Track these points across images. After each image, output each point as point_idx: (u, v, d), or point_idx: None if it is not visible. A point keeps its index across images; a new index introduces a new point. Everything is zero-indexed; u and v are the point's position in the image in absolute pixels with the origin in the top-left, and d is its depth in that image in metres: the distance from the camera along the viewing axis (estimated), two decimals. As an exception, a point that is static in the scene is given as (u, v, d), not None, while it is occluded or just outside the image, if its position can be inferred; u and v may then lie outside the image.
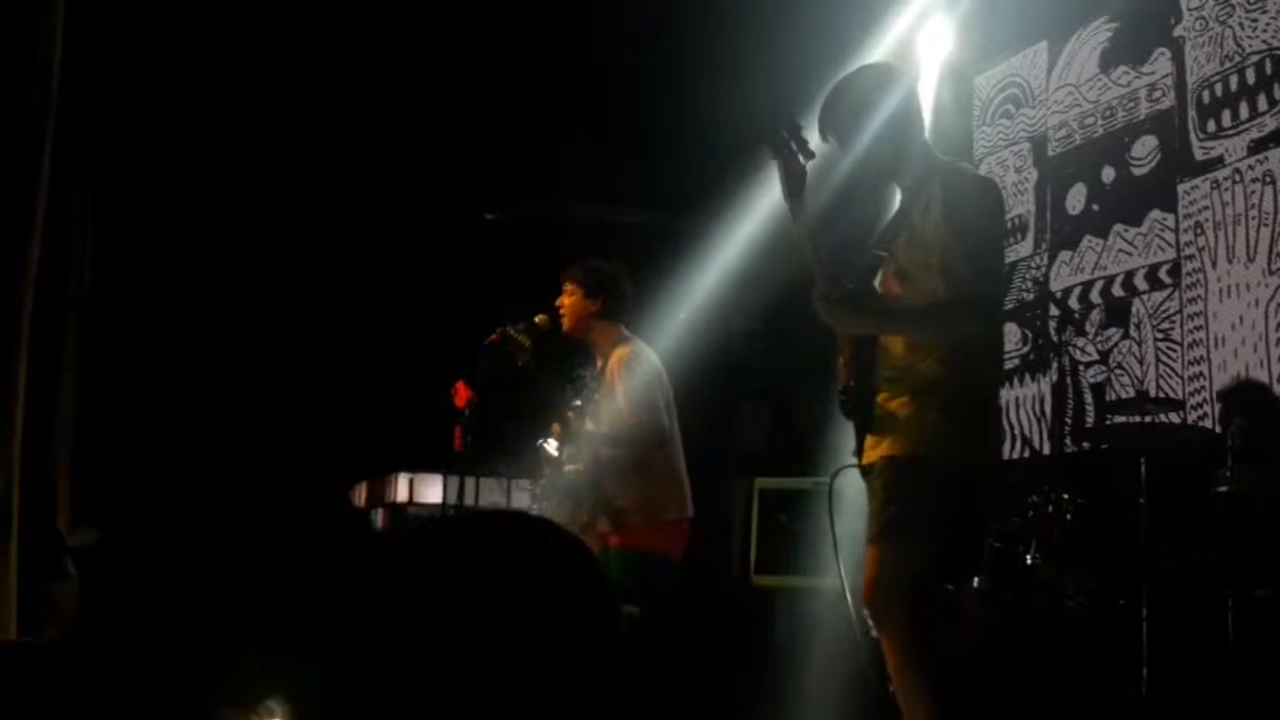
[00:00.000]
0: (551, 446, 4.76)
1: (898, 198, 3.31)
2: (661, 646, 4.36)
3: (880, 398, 3.11)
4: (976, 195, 3.14)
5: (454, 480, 6.15)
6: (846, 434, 3.27)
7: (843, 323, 3.12)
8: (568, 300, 4.60)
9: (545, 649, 1.24)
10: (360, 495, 7.36)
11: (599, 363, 4.65)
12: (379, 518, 6.79)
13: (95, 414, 6.03)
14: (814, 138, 3.22)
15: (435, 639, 1.24)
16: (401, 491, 6.50)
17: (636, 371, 4.43)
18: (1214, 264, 5.27)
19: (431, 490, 6.48)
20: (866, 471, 3.12)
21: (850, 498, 3.41)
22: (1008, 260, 6.19)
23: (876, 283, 3.22)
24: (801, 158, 3.13)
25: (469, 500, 5.55)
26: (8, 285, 3.82)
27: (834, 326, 3.15)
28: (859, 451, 3.13)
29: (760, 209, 6.27)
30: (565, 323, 4.63)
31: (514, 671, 1.23)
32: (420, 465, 6.41)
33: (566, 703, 1.26)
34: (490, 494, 5.78)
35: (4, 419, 3.74)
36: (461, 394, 4.63)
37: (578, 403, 4.54)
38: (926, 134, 3.25)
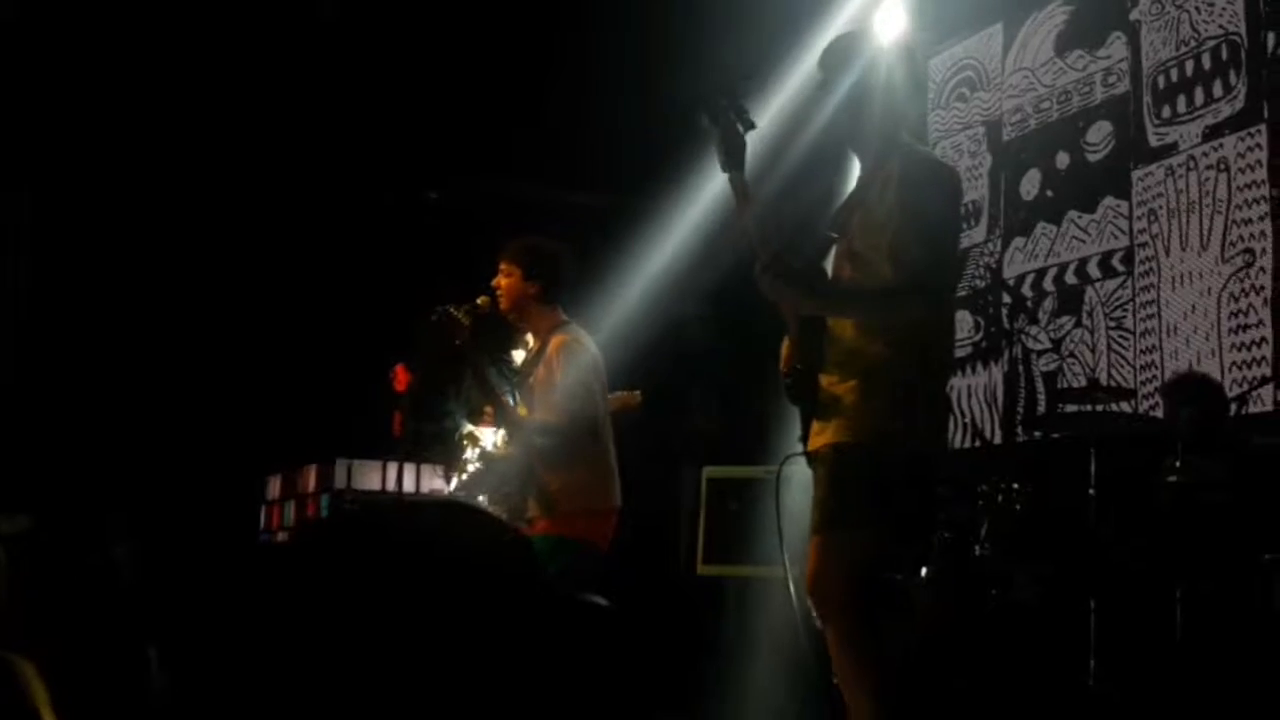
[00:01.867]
0: (482, 434, 4.73)
1: (854, 178, 3.31)
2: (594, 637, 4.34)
3: (825, 382, 3.09)
4: (932, 179, 3.13)
5: (393, 466, 6.13)
6: (798, 421, 3.26)
7: (785, 298, 3.10)
8: (505, 281, 4.55)
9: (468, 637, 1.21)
10: (308, 481, 7.30)
11: (534, 345, 4.62)
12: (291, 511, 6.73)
13: (23, 397, 5.93)
14: (756, 110, 3.20)
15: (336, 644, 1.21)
16: (340, 478, 6.46)
17: (573, 359, 4.40)
18: (1167, 252, 5.33)
19: (371, 477, 6.44)
20: (812, 459, 3.11)
21: (803, 486, 3.40)
22: (961, 247, 6.23)
23: (828, 264, 3.21)
24: (740, 127, 3.11)
25: (409, 486, 5.52)
26: None
27: (777, 301, 3.13)
28: (804, 437, 3.12)
29: (712, 189, 6.25)
30: (502, 303, 4.58)
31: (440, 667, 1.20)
32: (359, 451, 6.37)
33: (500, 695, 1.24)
34: (432, 480, 5.75)
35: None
36: (401, 378, 4.59)
37: (508, 389, 4.52)
38: (890, 110, 3.23)
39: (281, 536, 7.76)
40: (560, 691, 1.25)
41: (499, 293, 4.56)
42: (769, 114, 5.69)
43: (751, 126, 3.12)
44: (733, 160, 3.10)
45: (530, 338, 4.85)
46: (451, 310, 4.47)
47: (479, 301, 4.55)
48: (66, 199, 6.36)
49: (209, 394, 6.72)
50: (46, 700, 2.06)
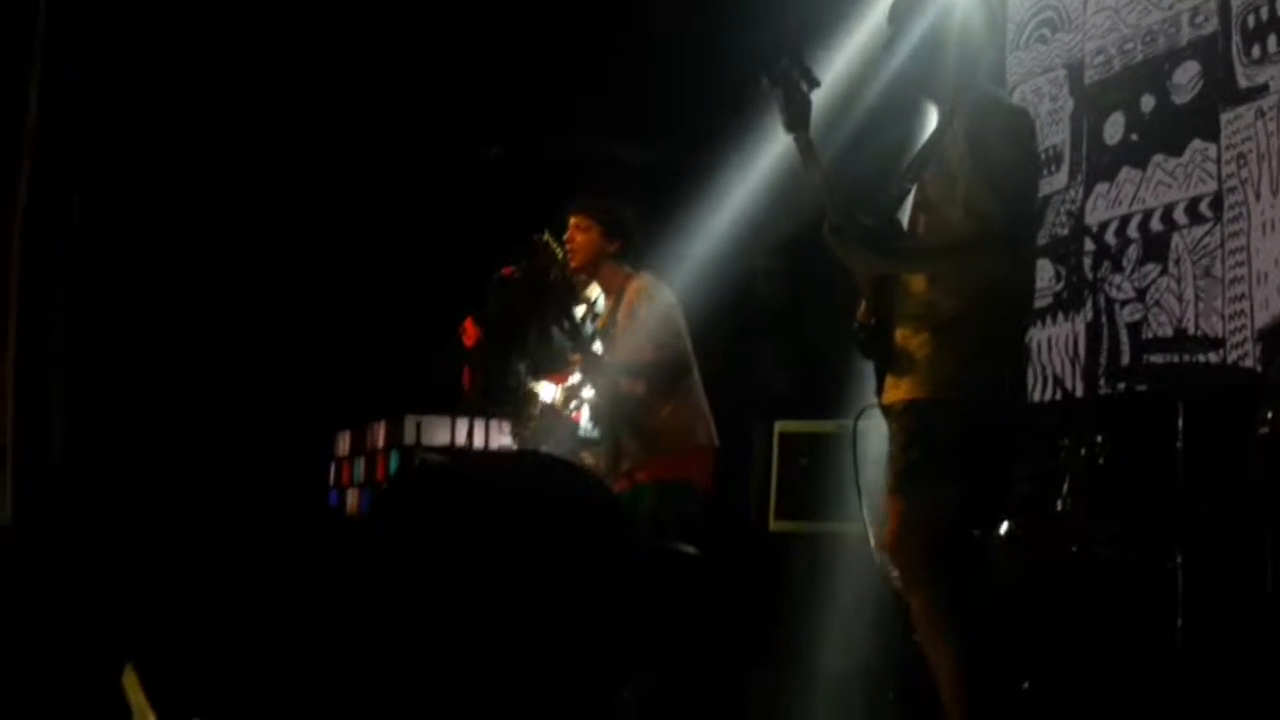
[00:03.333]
0: (546, 390, 4.77)
1: (930, 127, 3.27)
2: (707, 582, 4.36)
3: (900, 335, 3.07)
4: (1004, 124, 3.08)
5: (463, 422, 6.18)
6: (870, 375, 3.24)
7: (857, 260, 3.09)
8: (581, 236, 4.57)
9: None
10: (378, 437, 7.39)
11: (608, 300, 4.65)
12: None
13: (88, 357, 6.06)
14: (835, 71, 3.17)
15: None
16: (409, 434, 6.53)
17: (657, 300, 4.46)
18: (1257, 196, 5.21)
19: (440, 432, 6.51)
20: (887, 413, 3.10)
21: (875, 441, 3.39)
22: (1041, 193, 6.13)
23: (904, 215, 3.18)
24: (804, 85, 3.08)
25: (478, 443, 5.57)
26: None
27: (848, 264, 3.12)
28: (879, 391, 3.12)
29: (782, 140, 6.18)
30: (575, 259, 4.61)
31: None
32: (428, 407, 6.44)
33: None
34: (500, 436, 5.80)
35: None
36: (470, 332, 4.63)
37: (595, 339, 4.55)
38: (966, 54, 3.18)
39: (352, 493, 7.88)
40: (647, 642, 1.27)
41: (570, 248, 4.58)
42: (838, 64, 5.63)
43: (816, 84, 3.09)
44: (796, 120, 3.07)
45: (594, 293, 4.88)
46: (550, 241, 4.50)
47: (543, 239, 4.56)
48: (134, 156, 6.46)
49: (279, 350, 6.82)
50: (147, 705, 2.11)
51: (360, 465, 7.88)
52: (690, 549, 3.84)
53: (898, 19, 3.19)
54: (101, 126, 6.02)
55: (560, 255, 4.52)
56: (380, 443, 7.30)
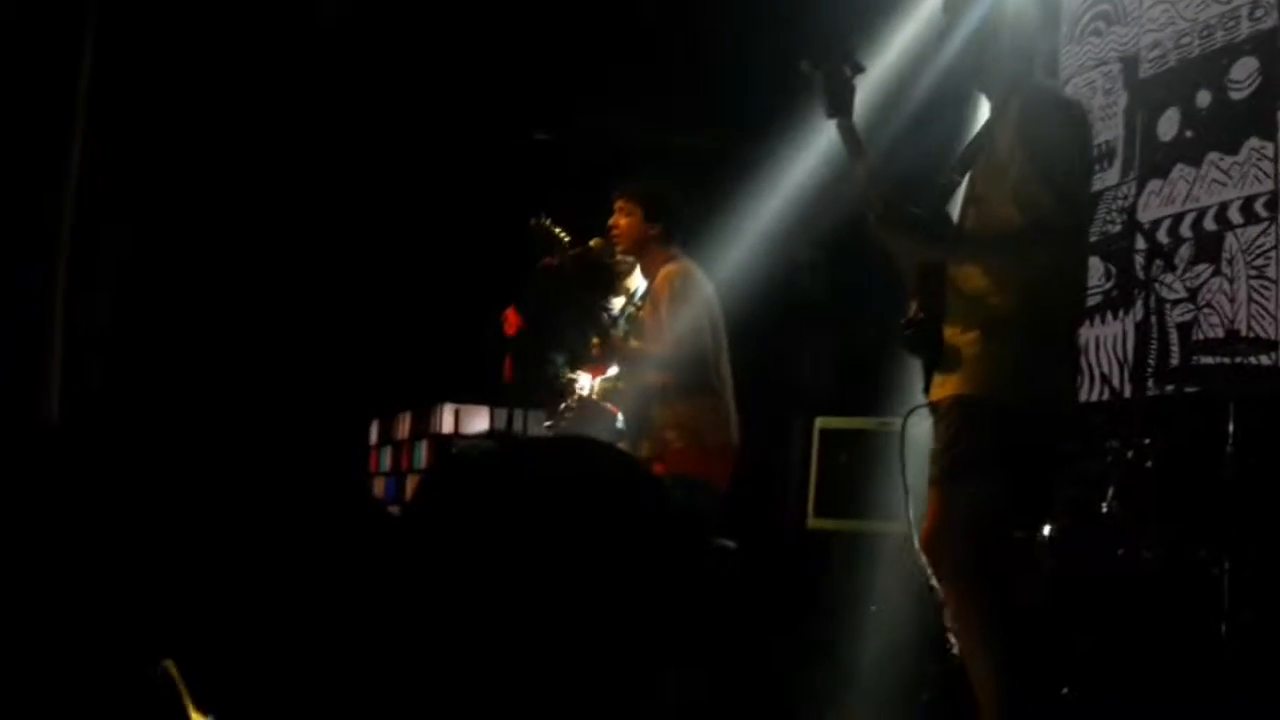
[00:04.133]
0: (579, 380, 4.79)
1: (982, 117, 3.26)
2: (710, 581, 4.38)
3: (948, 332, 3.06)
4: (1055, 115, 3.07)
5: (501, 412, 6.21)
6: (916, 372, 3.24)
7: (902, 247, 3.08)
8: (624, 221, 4.58)
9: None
10: (403, 427, 7.44)
11: (648, 285, 4.65)
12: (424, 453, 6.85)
13: (131, 328, 6.13)
14: (885, 66, 3.17)
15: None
16: (448, 423, 6.57)
17: (682, 290, 4.43)
18: (1316, 197, 5.15)
19: (478, 422, 6.54)
20: (934, 410, 3.10)
21: (922, 442, 3.39)
22: (1093, 189, 6.08)
23: (954, 208, 3.17)
24: (848, 71, 3.07)
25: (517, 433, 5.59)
26: (51, 184, 3.89)
27: (891, 250, 3.11)
28: (927, 388, 3.11)
29: (828, 131, 6.16)
30: (620, 244, 4.62)
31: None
32: (466, 396, 6.47)
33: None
34: (539, 427, 5.81)
35: (46, 321, 3.84)
36: (511, 321, 4.66)
37: (617, 329, 4.56)
38: (1019, 46, 3.16)
39: (378, 482, 7.94)
40: (682, 630, 1.27)
41: (615, 233, 4.59)
42: (890, 55, 5.60)
43: (860, 70, 3.09)
44: (839, 107, 3.07)
45: (634, 284, 4.89)
46: (546, 221, 4.52)
47: (592, 244, 4.59)
48: (168, 134, 6.52)
49: (314, 341, 6.88)
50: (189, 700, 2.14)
51: (387, 455, 7.93)
52: (726, 541, 3.85)
53: (953, 8, 3.18)
54: (137, 116, 6.08)
55: (560, 234, 4.53)
56: (407, 432, 7.35)
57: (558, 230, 4.54)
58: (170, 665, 2.01)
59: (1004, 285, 3.01)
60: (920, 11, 5.83)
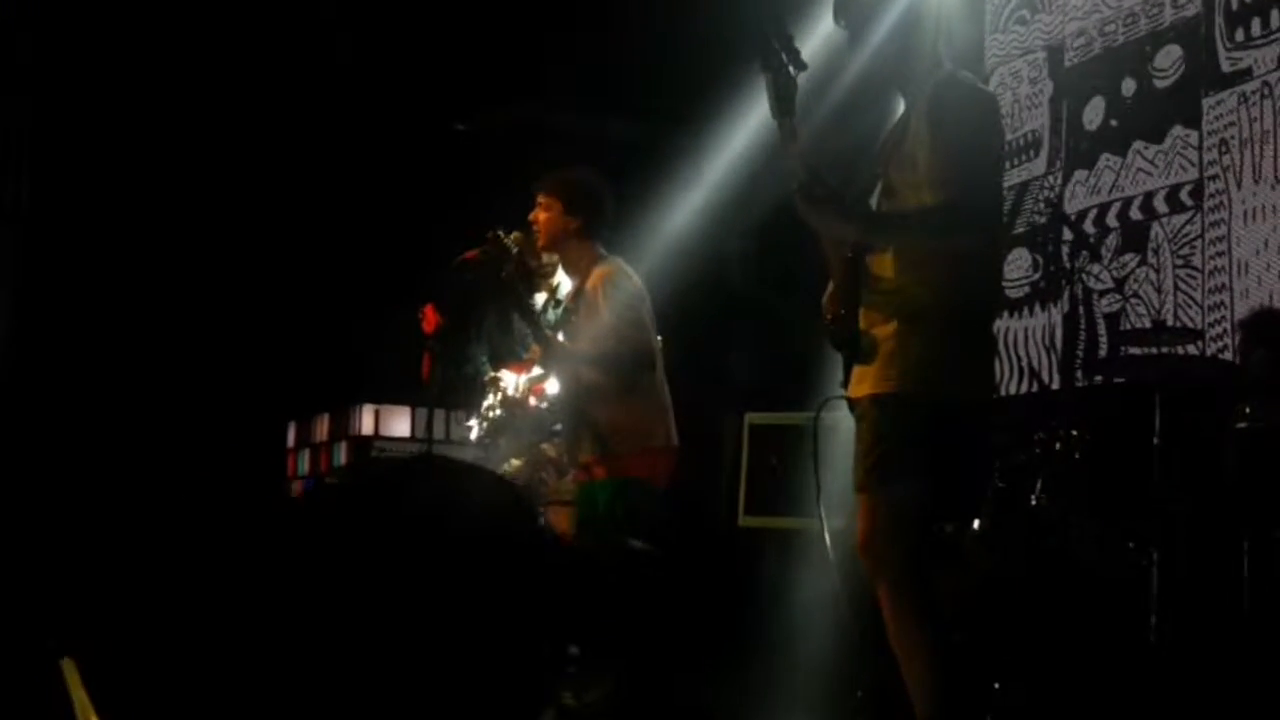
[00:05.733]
0: (504, 378, 4.76)
1: (900, 111, 3.29)
2: (659, 578, 4.38)
3: (865, 324, 3.10)
4: (964, 102, 3.11)
5: (422, 412, 6.18)
6: (840, 367, 3.26)
7: (823, 222, 3.09)
8: (544, 215, 4.55)
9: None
10: (321, 429, 7.37)
11: (574, 283, 4.63)
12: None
13: (32, 333, 6.01)
14: (807, 47, 3.18)
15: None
16: (367, 424, 6.52)
17: (621, 289, 4.42)
18: (1239, 185, 5.26)
19: (399, 423, 6.49)
20: (853, 407, 3.12)
21: (843, 433, 3.41)
22: (1019, 180, 6.17)
23: (872, 202, 3.20)
24: (793, 69, 3.09)
25: (439, 434, 5.56)
26: None
27: (815, 227, 3.12)
28: (845, 383, 3.14)
29: (755, 121, 6.20)
30: (541, 240, 4.60)
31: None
32: (386, 397, 6.42)
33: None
34: (461, 427, 5.78)
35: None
36: (430, 318, 4.62)
37: (551, 327, 4.54)
38: (939, 41, 3.20)
39: (296, 485, 7.85)
40: (580, 641, 1.29)
41: (535, 227, 4.56)
42: (812, 47, 5.63)
43: (803, 67, 3.10)
44: (784, 106, 3.08)
45: (556, 279, 4.87)
46: (502, 235, 4.47)
47: (512, 236, 4.56)
48: (80, 129, 6.41)
49: (228, 342, 6.79)
50: (88, 703, 2.11)
51: (305, 457, 7.85)
52: (640, 544, 3.86)
53: (852, 19, 3.19)
54: (48, 103, 5.97)
55: (512, 248, 4.49)
56: (325, 435, 7.27)
57: (508, 241, 4.49)
58: (69, 665, 1.98)
59: (921, 276, 3.05)
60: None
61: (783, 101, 3.09)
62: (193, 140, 6.70)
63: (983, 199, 3.08)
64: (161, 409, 6.48)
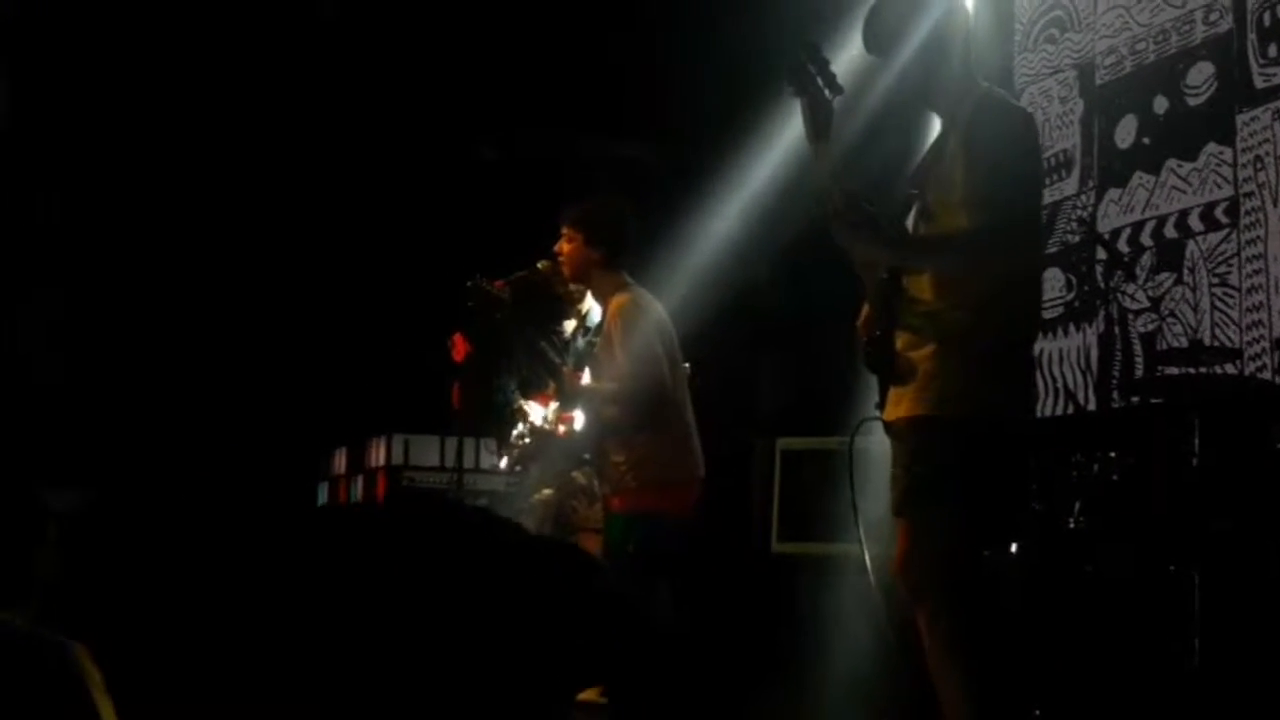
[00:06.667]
0: (532, 408, 4.80)
1: (935, 131, 3.31)
2: (666, 615, 4.40)
3: (902, 346, 3.10)
4: (1002, 121, 3.12)
5: (452, 441, 6.21)
6: (875, 390, 3.27)
7: (858, 246, 3.11)
8: (568, 247, 4.60)
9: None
10: (341, 461, 7.40)
11: (602, 311, 4.67)
12: (359, 486, 6.83)
13: (75, 372, 6.09)
14: (842, 69, 3.21)
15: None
16: (397, 454, 6.55)
17: (634, 322, 4.44)
18: (1275, 201, 5.25)
19: (429, 452, 6.53)
20: (889, 430, 3.13)
21: (877, 457, 3.42)
22: (1051, 199, 6.17)
23: (909, 223, 3.22)
24: (828, 93, 3.12)
25: (468, 463, 5.60)
26: None
27: (850, 252, 3.14)
28: (881, 404, 3.15)
29: (784, 144, 6.23)
30: (566, 271, 4.65)
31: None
32: (416, 426, 6.45)
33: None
34: (492, 455, 5.82)
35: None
36: (459, 348, 4.66)
37: (566, 360, 4.58)
38: (969, 59, 3.23)
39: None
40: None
41: (561, 259, 4.61)
42: (841, 66, 5.66)
43: (839, 92, 3.13)
44: (819, 129, 3.11)
45: (586, 306, 4.91)
46: (482, 283, 4.53)
47: (539, 265, 4.60)
48: (118, 177, 6.50)
49: (269, 367, 6.85)
50: (101, 684, 2.14)
51: (359, 484, 7.85)
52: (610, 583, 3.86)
53: (876, 47, 3.22)
54: (88, 141, 6.05)
55: (502, 297, 4.55)
56: (381, 460, 7.29)
57: (493, 288, 4.55)
58: (81, 650, 2.02)
59: (960, 298, 3.06)
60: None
61: (818, 126, 3.11)
62: (225, 172, 6.78)
63: (1020, 220, 3.10)
64: (194, 442, 6.54)
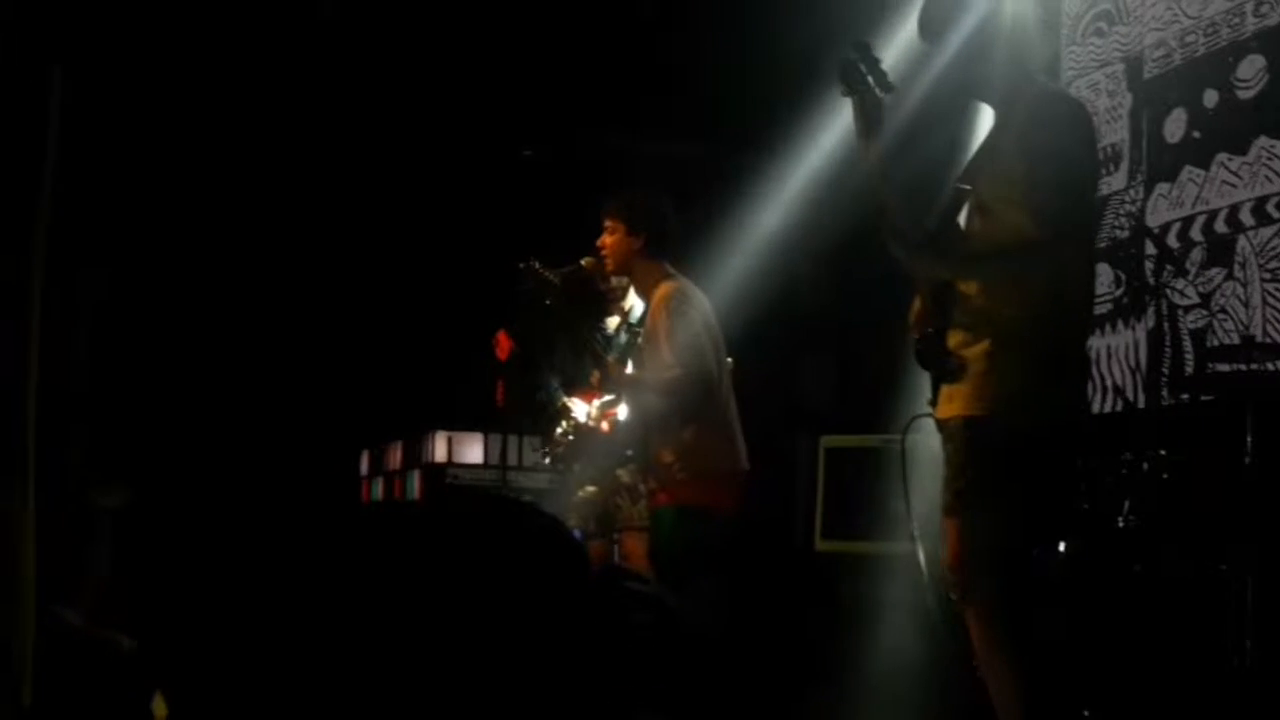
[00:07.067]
0: (575, 405, 4.81)
1: (984, 126, 3.30)
2: (711, 612, 4.40)
3: (955, 342, 3.09)
4: (1064, 117, 3.11)
5: (495, 439, 6.25)
6: (920, 388, 3.26)
7: (924, 269, 3.12)
8: (609, 239, 4.61)
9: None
10: (395, 458, 7.45)
11: (645, 305, 4.67)
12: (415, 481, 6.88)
13: (118, 369, 6.15)
14: (888, 64, 3.20)
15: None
16: (440, 452, 6.58)
17: (679, 312, 4.44)
18: (1329, 196, 5.19)
19: (472, 450, 6.55)
20: (941, 428, 3.12)
21: (924, 455, 3.40)
22: (1099, 193, 6.12)
23: (960, 219, 3.21)
24: (880, 92, 3.11)
25: (512, 460, 5.62)
26: (21, 229, 3.90)
27: (914, 274, 3.15)
28: (933, 402, 3.13)
29: (826, 143, 6.22)
30: (609, 264, 4.65)
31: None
32: (459, 423, 6.48)
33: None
34: (535, 453, 5.84)
35: (19, 366, 3.84)
36: (503, 345, 4.68)
37: (612, 353, 4.59)
38: (1020, 52, 3.20)
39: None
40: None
41: (604, 252, 4.62)
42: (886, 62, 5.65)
43: (890, 89, 3.12)
44: (870, 127, 3.10)
45: (629, 303, 4.92)
46: (536, 266, 4.55)
47: (583, 262, 4.61)
48: (149, 172, 6.56)
49: (299, 369, 6.90)
50: (152, 679, 2.17)
51: (379, 486, 7.93)
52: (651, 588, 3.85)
53: (930, 33, 3.21)
54: (119, 148, 6.09)
55: (554, 280, 4.56)
56: (398, 463, 7.35)
57: (547, 272, 4.56)
58: (133, 646, 2.05)
59: (1014, 297, 3.04)
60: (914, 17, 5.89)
61: (869, 124, 3.11)
62: (276, 167, 6.83)
63: (1081, 221, 3.09)
64: (236, 439, 6.60)
